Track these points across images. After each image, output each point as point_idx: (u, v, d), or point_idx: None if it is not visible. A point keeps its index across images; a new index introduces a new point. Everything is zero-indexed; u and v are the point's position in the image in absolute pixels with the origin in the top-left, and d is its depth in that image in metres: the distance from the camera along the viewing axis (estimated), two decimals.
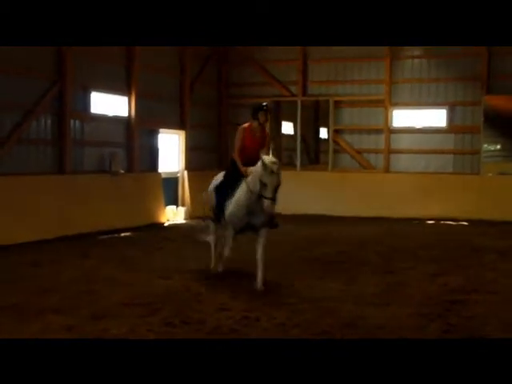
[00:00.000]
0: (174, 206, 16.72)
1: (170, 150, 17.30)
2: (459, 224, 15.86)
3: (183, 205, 17.06)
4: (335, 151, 18.73)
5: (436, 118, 17.87)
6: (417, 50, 17.93)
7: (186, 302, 7.41)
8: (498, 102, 18.27)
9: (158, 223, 15.44)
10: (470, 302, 7.49)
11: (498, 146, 18.71)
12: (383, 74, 18.21)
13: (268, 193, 7.64)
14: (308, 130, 20.75)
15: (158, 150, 16.32)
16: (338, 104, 18.74)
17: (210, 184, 9.34)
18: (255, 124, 8.58)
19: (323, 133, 20.33)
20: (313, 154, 21.40)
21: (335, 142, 18.73)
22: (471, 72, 17.32)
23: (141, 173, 15.53)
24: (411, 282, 8.67)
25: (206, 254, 9.27)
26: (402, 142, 18.06)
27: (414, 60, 18.02)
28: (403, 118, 18.16)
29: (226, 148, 19.48)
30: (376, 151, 18.32)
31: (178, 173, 17.30)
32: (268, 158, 7.80)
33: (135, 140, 15.38)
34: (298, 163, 19.06)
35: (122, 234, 13.43)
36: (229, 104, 19.72)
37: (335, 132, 18.74)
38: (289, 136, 20.24)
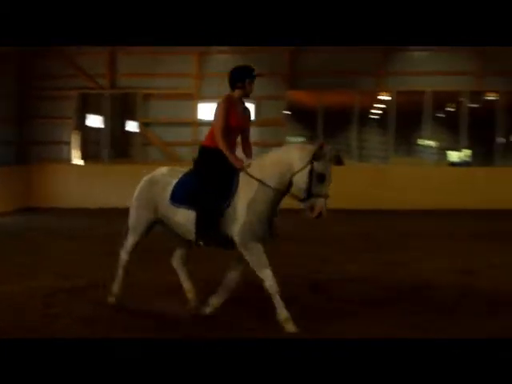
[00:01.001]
0: None
1: None
2: None
3: None
4: (144, 144, 18.58)
5: None
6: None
7: None
8: (300, 96, 19.19)
9: None
10: None
11: (302, 139, 19.65)
12: (192, 67, 18.35)
13: (325, 188, 5.71)
14: (116, 123, 20.38)
15: None
16: (147, 97, 18.60)
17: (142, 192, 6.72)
18: (236, 95, 6.40)
19: (132, 126, 20.07)
20: (121, 147, 21.07)
21: (144, 134, 18.58)
22: (276, 68, 17.95)
23: None
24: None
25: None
26: None
27: (222, 55, 18.30)
28: (212, 111, 18.35)
29: (31, 142, 18.56)
30: (185, 144, 18.42)
31: None
32: (317, 143, 5.90)
33: None
34: (106, 157, 18.70)
35: None
36: (32, 96, 18.74)
37: (144, 125, 18.58)
38: (96, 129, 19.73)
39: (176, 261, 6.80)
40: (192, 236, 6.22)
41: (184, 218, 6.22)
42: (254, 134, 17.93)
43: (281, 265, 8.90)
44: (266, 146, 17.97)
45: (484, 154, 21.13)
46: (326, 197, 5.69)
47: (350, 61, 17.51)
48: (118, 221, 14.47)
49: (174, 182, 6.39)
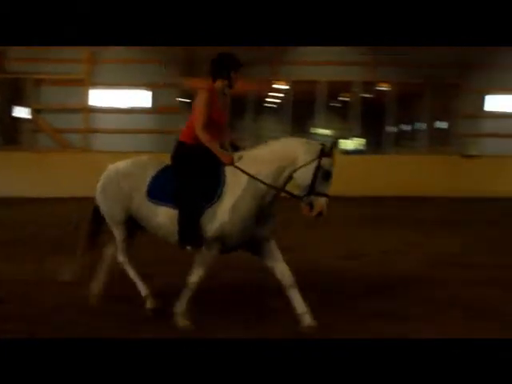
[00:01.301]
0: None
1: None
2: None
3: None
4: (34, 131, 18.00)
5: (140, 98, 18.10)
6: None
7: None
8: (197, 84, 19.04)
9: None
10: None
11: None
12: (84, 53, 17.87)
13: (328, 187, 5.42)
14: (5, 109, 19.59)
15: None
16: (38, 82, 18.00)
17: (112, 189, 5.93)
18: (219, 86, 5.80)
19: (22, 112, 19.35)
20: (10, 134, 20.25)
21: (35, 121, 17.99)
22: (172, 55, 17.74)
23: None
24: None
25: None
26: (105, 122, 17.93)
27: None
28: (106, 97, 18.05)
29: None
30: (76, 131, 17.98)
31: None
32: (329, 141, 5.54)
33: None
34: None
35: None
36: None
37: (35, 111, 17.98)
38: None
39: (106, 256, 6.29)
40: (175, 238, 5.61)
41: (165, 217, 5.59)
42: (149, 121, 17.97)
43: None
44: (163, 133, 17.86)
45: (376, 143, 21.75)
46: (328, 196, 5.40)
47: (245, 49, 17.52)
48: (7, 209, 14.06)
49: (150, 175, 5.73)
